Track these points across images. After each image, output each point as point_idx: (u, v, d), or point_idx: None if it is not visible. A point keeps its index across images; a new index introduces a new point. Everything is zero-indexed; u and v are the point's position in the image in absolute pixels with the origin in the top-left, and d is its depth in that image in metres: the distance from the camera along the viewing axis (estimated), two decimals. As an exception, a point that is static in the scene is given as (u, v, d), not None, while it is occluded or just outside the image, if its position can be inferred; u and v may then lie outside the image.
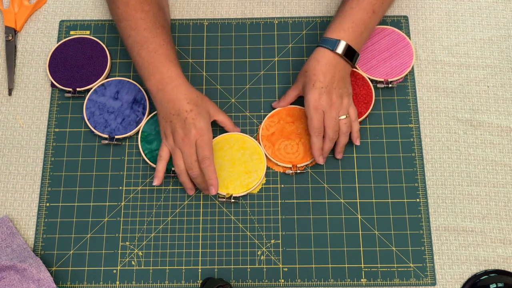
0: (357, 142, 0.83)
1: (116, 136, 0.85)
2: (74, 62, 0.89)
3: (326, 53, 0.80)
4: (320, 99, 0.78)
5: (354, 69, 0.88)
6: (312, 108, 0.78)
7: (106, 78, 0.88)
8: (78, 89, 0.87)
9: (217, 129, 0.86)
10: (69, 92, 0.88)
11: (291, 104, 0.86)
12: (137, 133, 0.86)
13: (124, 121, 0.86)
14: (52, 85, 0.88)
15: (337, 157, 0.84)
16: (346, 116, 0.81)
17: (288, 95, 0.85)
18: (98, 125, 0.85)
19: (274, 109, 0.87)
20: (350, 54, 0.80)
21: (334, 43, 0.80)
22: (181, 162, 0.78)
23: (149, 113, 0.86)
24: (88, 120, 0.86)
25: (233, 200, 0.82)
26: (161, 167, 0.80)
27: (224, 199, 0.82)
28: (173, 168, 0.82)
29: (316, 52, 0.81)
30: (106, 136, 0.85)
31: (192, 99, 0.78)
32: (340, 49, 0.79)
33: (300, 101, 0.88)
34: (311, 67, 0.80)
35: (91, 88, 0.88)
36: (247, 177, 0.83)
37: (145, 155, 0.84)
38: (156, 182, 0.80)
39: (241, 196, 0.83)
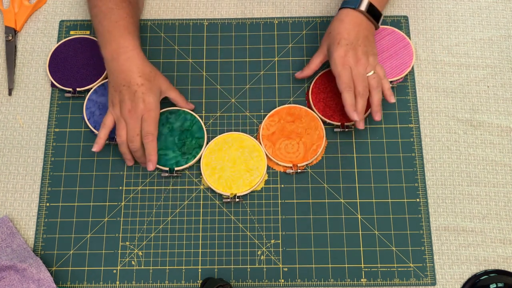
0: (391, 99, 0.82)
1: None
2: (74, 62, 0.89)
3: (350, 12, 0.81)
4: (346, 55, 0.79)
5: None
6: (339, 65, 0.79)
7: (106, 78, 0.88)
8: (78, 89, 0.87)
9: (216, 129, 0.86)
10: (69, 92, 0.88)
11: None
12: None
13: (124, 121, 0.85)
14: (52, 85, 0.89)
15: (376, 118, 0.81)
16: (374, 72, 0.80)
17: (313, 62, 0.85)
18: (98, 125, 0.85)
19: (273, 108, 0.87)
20: (374, 14, 0.81)
21: (357, 2, 0.81)
22: (123, 133, 0.79)
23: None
24: (88, 120, 0.86)
25: (237, 200, 0.82)
26: (103, 134, 0.80)
27: (228, 199, 0.82)
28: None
29: (339, 13, 0.82)
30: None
31: (145, 73, 0.79)
32: (363, 6, 0.80)
33: (300, 101, 0.88)
34: (335, 27, 0.81)
35: (91, 88, 0.88)
36: (249, 175, 0.83)
37: (145, 155, 0.84)
38: (95, 148, 0.80)
39: (245, 195, 0.83)
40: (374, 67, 0.81)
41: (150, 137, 0.78)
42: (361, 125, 0.80)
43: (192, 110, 0.86)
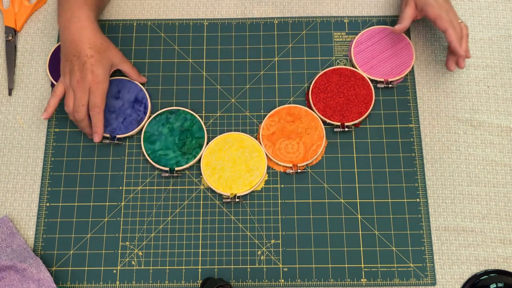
0: (468, 54, 0.84)
1: (117, 136, 0.85)
2: None
3: None
4: (440, 1, 0.83)
5: (354, 69, 0.88)
6: (436, 7, 0.82)
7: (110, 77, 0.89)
8: None
9: (216, 129, 0.86)
10: None
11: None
12: (138, 132, 0.86)
13: (125, 120, 0.86)
14: (52, 85, 0.88)
15: (461, 65, 0.84)
16: (461, 22, 0.85)
17: (407, 14, 0.85)
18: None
19: (273, 108, 0.87)
20: None
21: None
22: (71, 103, 0.80)
23: (151, 113, 0.86)
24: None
25: (237, 200, 0.82)
26: (52, 102, 0.82)
27: (228, 200, 0.82)
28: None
29: None
30: (108, 135, 0.85)
31: (96, 45, 0.80)
32: None
33: (300, 101, 0.88)
34: None
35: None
36: (249, 175, 0.83)
37: (148, 155, 0.84)
38: (45, 115, 0.82)
39: (245, 195, 0.83)
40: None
41: (96, 109, 0.79)
42: (463, 64, 0.84)
43: (194, 111, 0.86)
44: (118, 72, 0.87)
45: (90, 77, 0.78)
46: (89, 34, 0.80)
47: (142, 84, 0.88)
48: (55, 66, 0.89)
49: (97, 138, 0.80)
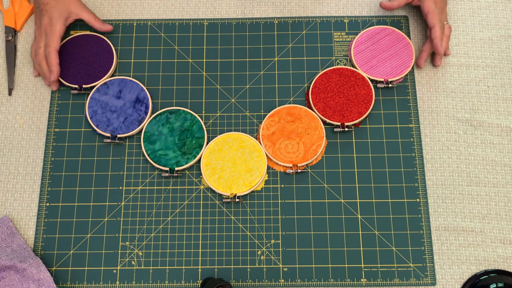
0: (448, 52, 0.89)
1: (118, 135, 0.85)
2: (79, 59, 0.89)
3: None
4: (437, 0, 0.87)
5: (354, 69, 0.88)
6: (433, 3, 0.86)
7: (112, 76, 0.89)
8: (84, 86, 0.87)
9: (216, 129, 0.86)
10: (75, 89, 0.88)
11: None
12: (138, 132, 0.86)
13: (126, 120, 0.86)
14: (59, 82, 0.88)
15: (438, 63, 0.88)
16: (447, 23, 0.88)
17: None
18: (101, 123, 0.85)
19: (273, 108, 0.87)
20: None
21: None
22: (33, 50, 0.88)
23: (152, 113, 0.86)
24: (90, 118, 0.86)
25: (237, 200, 0.82)
26: (50, 60, 0.86)
27: (228, 199, 0.82)
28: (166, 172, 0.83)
29: None
30: (109, 135, 0.85)
31: None
32: None
33: (300, 101, 0.88)
34: None
35: (97, 85, 0.88)
36: (249, 175, 0.83)
37: (148, 155, 0.84)
38: (53, 77, 0.86)
39: (245, 195, 0.83)
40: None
41: (49, 49, 0.84)
42: (439, 62, 0.88)
43: (194, 111, 0.86)
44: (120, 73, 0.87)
45: (45, 21, 0.85)
46: None
47: (108, 31, 0.91)
48: (61, 64, 0.88)
49: (53, 77, 0.85)
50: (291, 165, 0.84)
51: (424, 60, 0.88)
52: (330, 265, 0.80)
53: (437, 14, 0.86)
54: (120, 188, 0.84)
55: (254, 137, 0.85)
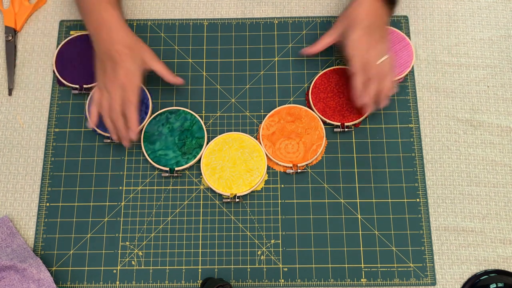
0: (394, 89, 0.83)
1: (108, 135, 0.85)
2: (80, 59, 0.89)
3: None
4: (361, 39, 0.80)
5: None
6: (354, 48, 0.80)
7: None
8: (85, 86, 0.87)
9: (216, 129, 0.86)
10: (76, 89, 0.88)
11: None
12: (138, 132, 0.86)
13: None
14: (59, 82, 0.88)
15: (382, 105, 0.81)
16: (386, 58, 0.81)
17: (324, 40, 0.85)
18: (101, 124, 0.85)
19: (273, 108, 0.87)
20: (391, 1, 0.83)
21: None
22: (105, 103, 0.79)
23: (152, 113, 0.86)
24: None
25: (237, 200, 0.82)
26: (94, 109, 0.81)
27: (228, 200, 0.82)
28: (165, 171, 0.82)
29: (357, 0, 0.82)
30: (108, 134, 0.85)
31: (126, 42, 0.79)
32: None
33: (300, 101, 0.88)
34: (353, 12, 0.82)
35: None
36: (249, 175, 0.83)
37: (148, 155, 0.84)
38: (90, 124, 0.82)
39: (245, 195, 0.83)
40: (386, 53, 0.82)
41: (129, 105, 0.78)
42: (369, 109, 0.81)
43: (194, 111, 0.86)
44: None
45: (122, 74, 0.77)
46: (120, 33, 0.79)
47: (180, 85, 0.86)
48: (61, 64, 0.89)
49: (133, 135, 0.79)
50: (291, 165, 0.84)
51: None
52: (330, 265, 0.80)
53: (359, 58, 0.79)
54: (120, 188, 0.84)
55: (254, 137, 0.85)
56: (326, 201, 0.83)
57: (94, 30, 0.80)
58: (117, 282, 0.80)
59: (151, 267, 0.80)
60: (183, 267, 0.80)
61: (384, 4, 0.82)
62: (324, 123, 0.86)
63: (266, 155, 0.84)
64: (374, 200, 0.83)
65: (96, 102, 0.81)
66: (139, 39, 0.82)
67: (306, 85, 0.89)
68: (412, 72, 0.89)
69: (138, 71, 0.79)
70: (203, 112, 0.88)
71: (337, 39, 0.84)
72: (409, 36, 0.91)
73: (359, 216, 0.82)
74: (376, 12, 0.81)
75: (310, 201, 0.83)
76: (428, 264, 0.80)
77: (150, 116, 0.86)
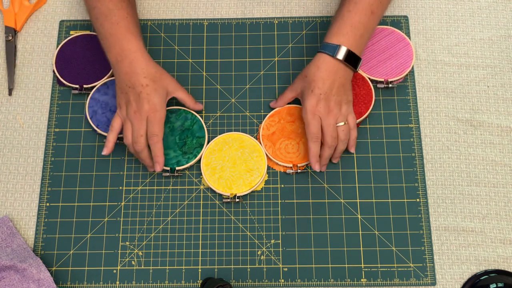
0: (352, 149, 0.83)
1: (118, 135, 0.85)
2: (81, 59, 0.89)
3: (327, 59, 0.79)
4: (318, 105, 0.78)
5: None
6: (309, 114, 0.78)
7: (113, 76, 0.88)
8: (85, 86, 0.87)
9: (217, 129, 0.86)
10: (76, 89, 0.88)
11: (289, 103, 0.86)
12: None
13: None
14: (59, 82, 0.88)
15: (334, 161, 0.83)
16: (345, 123, 0.80)
17: (285, 95, 0.85)
18: (101, 123, 0.85)
19: (274, 108, 0.87)
20: (351, 59, 0.79)
21: (334, 49, 0.78)
22: (129, 135, 0.79)
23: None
24: (90, 118, 0.86)
25: (237, 200, 0.82)
26: (111, 137, 0.80)
27: (228, 200, 0.82)
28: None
29: (317, 58, 0.80)
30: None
31: (150, 73, 0.78)
32: (340, 55, 0.78)
33: (300, 101, 0.88)
34: (311, 73, 0.79)
35: (98, 85, 0.88)
36: (249, 175, 0.83)
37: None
38: (105, 151, 0.80)
39: (245, 195, 0.83)
40: (346, 117, 0.80)
41: (155, 139, 0.78)
42: (317, 168, 0.79)
43: (198, 112, 0.86)
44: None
45: (146, 107, 0.77)
46: (142, 64, 0.78)
47: (197, 111, 0.86)
48: (61, 64, 0.89)
49: (158, 168, 0.79)
50: (291, 165, 0.84)
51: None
52: (330, 265, 0.80)
53: (315, 124, 0.78)
54: (120, 188, 0.84)
55: (254, 137, 0.85)
56: (326, 201, 0.83)
57: (117, 62, 0.79)
58: (117, 282, 0.80)
59: (151, 267, 0.80)
60: (183, 267, 0.80)
61: (346, 65, 0.79)
62: (324, 123, 0.86)
63: (266, 155, 0.84)
64: (374, 200, 0.83)
65: (116, 130, 0.80)
66: (162, 69, 0.81)
67: (306, 85, 0.89)
68: (412, 72, 0.89)
69: (163, 104, 0.79)
70: (203, 112, 0.88)
71: (298, 96, 0.83)
72: (409, 36, 0.91)
73: (359, 216, 0.82)
74: (335, 73, 0.78)
75: (310, 201, 0.83)
76: (428, 264, 0.80)
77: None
